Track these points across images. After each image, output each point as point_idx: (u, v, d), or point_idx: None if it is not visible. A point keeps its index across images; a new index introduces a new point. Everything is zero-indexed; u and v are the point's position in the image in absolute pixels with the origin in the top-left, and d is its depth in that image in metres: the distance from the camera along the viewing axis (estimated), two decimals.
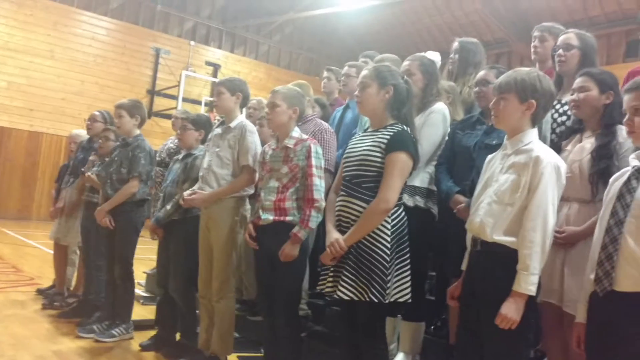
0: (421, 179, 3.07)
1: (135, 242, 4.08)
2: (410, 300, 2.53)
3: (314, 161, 2.91)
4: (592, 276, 1.93)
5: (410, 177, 2.88)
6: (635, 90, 1.91)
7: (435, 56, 3.30)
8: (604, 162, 2.31)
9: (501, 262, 2.11)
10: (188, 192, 3.42)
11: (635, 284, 1.79)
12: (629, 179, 1.89)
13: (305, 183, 2.92)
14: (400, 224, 2.52)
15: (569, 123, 2.71)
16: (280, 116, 3.02)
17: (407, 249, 2.54)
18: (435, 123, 3.08)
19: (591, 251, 2.04)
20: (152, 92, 12.86)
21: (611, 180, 2.04)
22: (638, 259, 1.79)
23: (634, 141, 1.97)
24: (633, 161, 1.95)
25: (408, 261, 2.53)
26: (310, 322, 3.86)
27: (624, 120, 1.95)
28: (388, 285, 2.41)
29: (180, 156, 3.89)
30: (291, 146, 2.98)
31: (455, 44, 3.77)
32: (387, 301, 2.41)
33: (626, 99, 1.94)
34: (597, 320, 1.92)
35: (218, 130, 3.49)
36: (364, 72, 2.64)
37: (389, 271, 2.42)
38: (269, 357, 3.07)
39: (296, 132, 3.04)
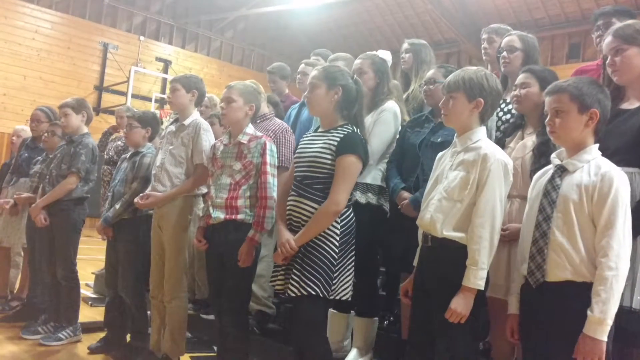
0: (373, 177, 3.11)
1: (76, 241, 3.98)
2: (350, 299, 2.57)
3: (268, 159, 2.90)
4: (523, 269, 2.04)
5: (362, 175, 2.92)
6: (556, 93, 2.02)
7: (386, 55, 3.33)
8: (544, 158, 2.40)
9: (451, 257, 2.16)
10: (138, 197, 3.33)
11: (564, 274, 1.91)
12: (552, 177, 2.02)
13: (258, 180, 2.90)
14: (348, 224, 2.55)
15: (512, 120, 2.80)
16: (236, 112, 2.97)
17: (353, 248, 2.58)
18: (386, 121, 3.13)
19: (519, 245, 2.14)
20: (100, 89, 12.49)
21: (535, 177, 2.16)
22: (566, 250, 1.92)
23: (555, 141, 2.10)
24: (555, 160, 2.07)
25: (353, 259, 2.57)
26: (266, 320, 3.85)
27: (546, 120, 2.06)
28: (334, 282, 2.45)
29: (128, 155, 3.80)
30: (245, 142, 2.95)
31: (406, 45, 3.84)
32: (331, 298, 2.46)
33: (547, 101, 2.05)
34: (530, 311, 2.02)
35: (172, 128, 3.43)
36: (313, 73, 2.64)
37: (336, 269, 2.46)
38: (222, 356, 3.05)
39: (250, 129, 3.02)
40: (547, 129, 2.06)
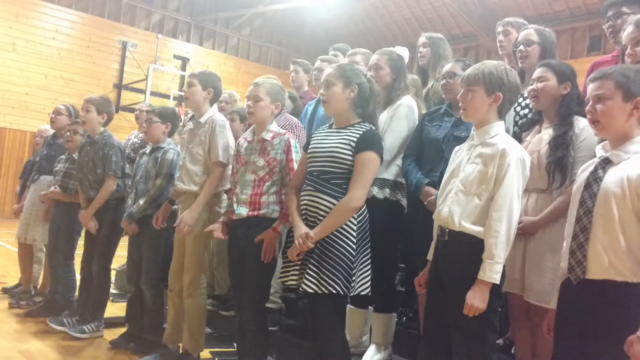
0: (389, 172, 3.09)
1: (117, 240, 4.06)
2: (370, 294, 2.57)
3: (294, 156, 2.90)
4: (563, 265, 1.98)
5: (379, 170, 2.91)
6: (600, 79, 1.94)
7: (403, 51, 3.31)
8: (560, 151, 2.37)
9: (467, 251, 2.15)
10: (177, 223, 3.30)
11: (604, 272, 1.84)
12: (595, 169, 1.94)
13: (282, 176, 2.91)
14: (364, 220, 2.56)
15: (530, 116, 2.77)
16: (263, 111, 2.96)
17: (369, 243, 2.58)
18: (402, 116, 3.11)
19: (566, 240, 2.09)
20: (119, 86, 12.64)
21: (579, 170, 2.08)
22: (606, 247, 1.84)
23: (597, 132, 2.00)
24: (599, 151, 2.00)
25: (369, 255, 2.57)
26: (283, 315, 3.87)
27: (586, 108, 1.98)
28: (353, 278, 2.45)
29: (147, 150, 3.83)
30: (269, 139, 2.94)
31: (423, 39, 3.79)
32: (351, 294, 2.46)
33: (590, 87, 1.97)
34: (568, 308, 1.96)
35: (190, 125, 3.45)
36: (328, 71, 2.64)
37: (355, 265, 2.47)
38: (241, 352, 3.07)
39: (274, 126, 3.01)
40: (588, 117, 1.97)
